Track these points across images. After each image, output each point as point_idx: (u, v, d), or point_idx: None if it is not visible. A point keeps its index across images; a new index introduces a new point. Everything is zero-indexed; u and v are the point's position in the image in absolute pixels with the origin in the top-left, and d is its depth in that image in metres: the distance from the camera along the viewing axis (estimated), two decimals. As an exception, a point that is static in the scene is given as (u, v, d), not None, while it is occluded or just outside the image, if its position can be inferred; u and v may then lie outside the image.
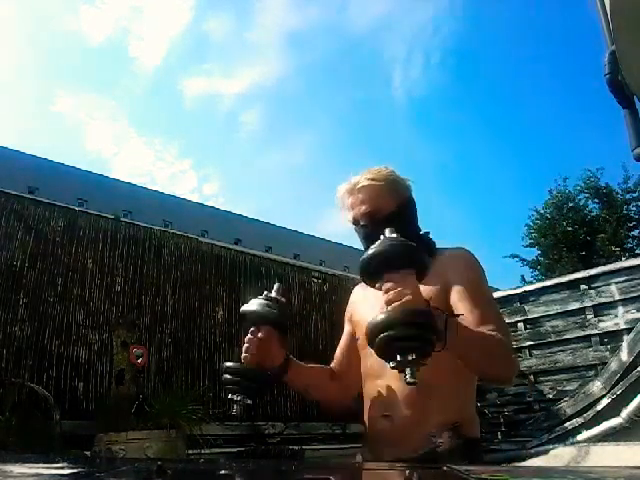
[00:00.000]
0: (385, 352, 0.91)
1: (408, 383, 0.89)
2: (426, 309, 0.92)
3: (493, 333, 1.09)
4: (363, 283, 1.46)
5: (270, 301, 1.21)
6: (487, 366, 1.09)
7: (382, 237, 0.98)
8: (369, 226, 1.27)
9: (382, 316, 0.91)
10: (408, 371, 0.87)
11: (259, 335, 1.19)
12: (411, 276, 0.95)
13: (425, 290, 1.18)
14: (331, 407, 1.43)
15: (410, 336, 0.87)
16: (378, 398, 1.20)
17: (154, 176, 51.87)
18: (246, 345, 1.20)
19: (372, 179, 1.28)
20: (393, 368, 0.90)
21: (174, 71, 66.89)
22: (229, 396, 1.16)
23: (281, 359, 1.24)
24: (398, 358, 0.87)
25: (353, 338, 1.37)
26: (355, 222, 1.31)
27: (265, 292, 1.24)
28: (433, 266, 1.23)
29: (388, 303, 0.92)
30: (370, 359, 1.23)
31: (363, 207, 1.27)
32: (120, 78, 59.26)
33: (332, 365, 1.43)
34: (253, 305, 1.21)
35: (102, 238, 4.62)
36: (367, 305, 1.33)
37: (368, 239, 1.27)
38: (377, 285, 0.96)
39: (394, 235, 0.97)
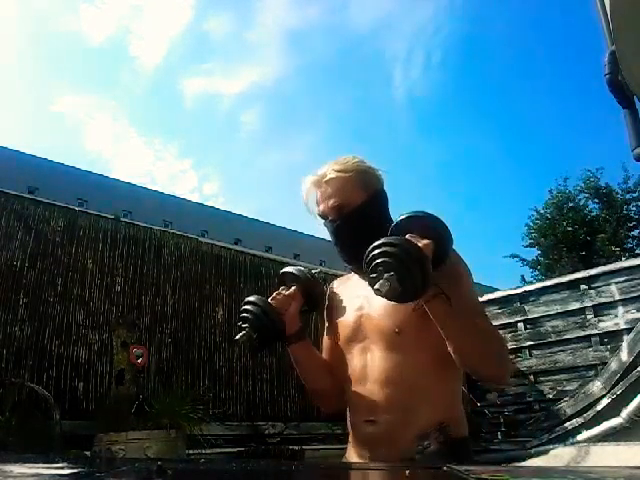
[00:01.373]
0: (370, 262, 0.96)
1: (376, 291, 0.93)
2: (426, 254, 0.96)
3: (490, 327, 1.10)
4: (340, 278, 1.41)
5: (309, 274, 1.28)
6: (482, 356, 1.07)
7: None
8: (338, 221, 1.21)
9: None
10: (381, 282, 0.92)
11: (286, 292, 1.23)
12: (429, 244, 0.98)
13: None
14: (324, 400, 1.37)
15: (394, 254, 0.94)
16: (362, 403, 1.16)
17: (154, 176, 51.90)
18: (273, 295, 1.24)
19: (340, 170, 1.20)
20: (370, 281, 0.95)
21: (174, 71, 66.92)
22: (239, 323, 1.19)
23: (296, 326, 1.25)
24: (379, 269, 0.92)
25: (332, 334, 1.32)
26: (323, 217, 1.24)
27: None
28: None
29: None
30: (352, 363, 1.19)
31: (331, 201, 1.20)
32: (120, 78, 59.31)
33: None
34: (292, 268, 1.29)
35: (102, 238, 4.62)
36: (342, 304, 1.29)
37: (337, 234, 1.23)
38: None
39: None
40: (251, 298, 1.21)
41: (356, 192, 1.20)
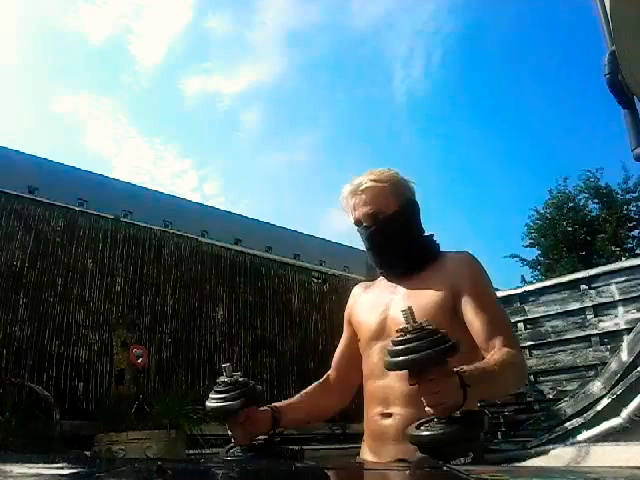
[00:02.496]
0: (435, 457, 0.90)
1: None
2: (470, 423, 0.89)
3: (507, 355, 1.08)
4: (362, 283, 1.46)
5: (226, 389, 1.15)
6: (505, 390, 1.18)
7: (403, 328, 0.92)
8: (372, 227, 1.27)
9: (426, 433, 0.88)
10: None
11: (237, 421, 1.17)
12: (446, 375, 0.88)
13: (431, 295, 1.20)
14: (328, 416, 1.45)
15: (456, 451, 0.88)
16: (379, 397, 1.20)
17: (154, 176, 51.86)
18: (229, 432, 1.19)
19: (375, 180, 1.27)
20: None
21: (175, 70, 66.94)
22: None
23: (268, 421, 1.22)
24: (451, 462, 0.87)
25: (353, 339, 1.37)
26: (358, 223, 1.30)
27: (219, 378, 1.18)
28: (438, 269, 1.25)
29: (428, 405, 0.89)
30: (373, 359, 1.24)
31: (366, 208, 1.27)
32: (120, 77, 59.27)
33: (330, 370, 1.43)
34: (214, 402, 1.16)
35: (102, 238, 4.62)
36: (366, 306, 1.34)
37: (371, 240, 1.29)
38: (411, 382, 0.92)
39: (415, 324, 0.91)
40: (228, 459, 1.18)
41: (390, 201, 1.27)
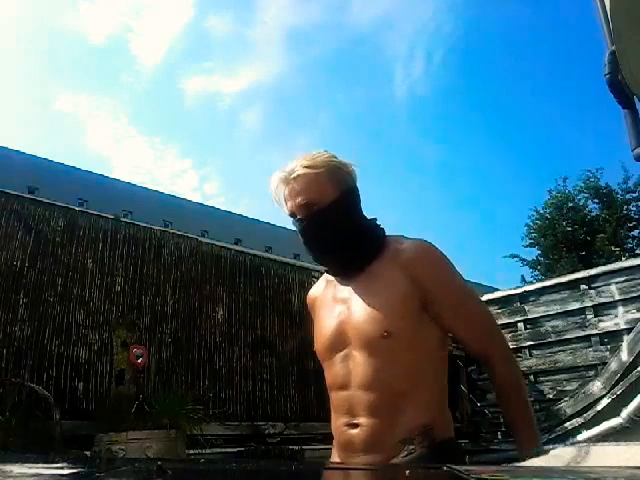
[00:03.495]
0: None
1: None
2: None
3: (506, 380, 1.16)
4: (323, 278, 1.32)
5: None
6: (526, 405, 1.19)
7: None
8: (306, 219, 1.14)
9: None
10: None
11: None
12: None
13: (392, 291, 1.11)
14: None
15: None
16: (344, 407, 1.14)
17: (154, 176, 51.86)
18: None
19: (309, 167, 1.14)
20: None
21: (175, 69, 66.92)
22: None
23: None
24: None
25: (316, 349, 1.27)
26: (292, 215, 1.18)
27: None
28: (391, 260, 1.14)
29: None
30: (335, 369, 1.17)
31: (299, 198, 1.14)
32: (120, 76, 59.25)
33: None
34: None
35: (102, 238, 4.62)
36: (326, 311, 1.24)
37: (305, 233, 1.16)
38: None
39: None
40: None
41: (326, 189, 1.14)
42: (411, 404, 1.09)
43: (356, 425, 1.11)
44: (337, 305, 1.20)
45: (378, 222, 1.22)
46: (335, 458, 1.20)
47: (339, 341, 1.16)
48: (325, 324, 1.21)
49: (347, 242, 1.16)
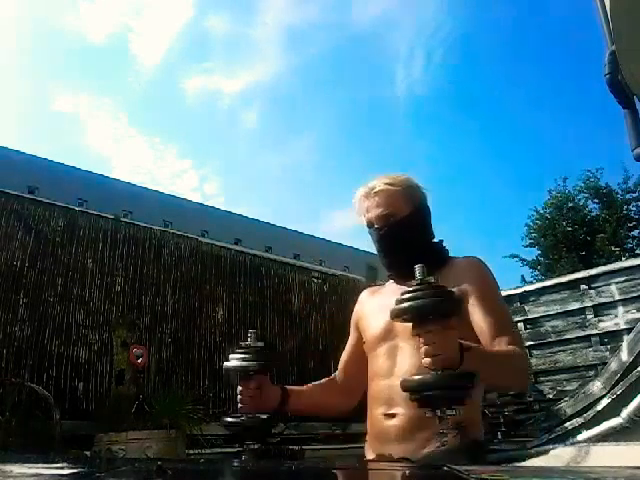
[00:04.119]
0: (422, 406, 0.92)
1: (439, 418, 0.90)
2: (458, 372, 0.90)
3: (510, 348, 1.11)
4: (370, 288, 1.48)
5: (248, 351, 1.23)
6: (503, 381, 1.16)
7: (414, 281, 0.95)
8: (383, 229, 1.29)
9: (417, 377, 0.91)
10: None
11: (249, 387, 1.21)
12: (446, 329, 0.91)
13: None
14: (333, 414, 1.48)
15: (443, 397, 0.90)
16: (383, 397, 1.21)
17: (154, 175, 51.86)
18: (239, 397, 1.22)
19: (389, 183, 1.30)
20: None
21: (175, 69, 66.90)
22: (239, 446, 1.18)
23: (277, 398, 1.26)
24: (436, 412, 0.90)
25: (359, 343, 1.38)
26: (370, 225, 1.32)
27: (243, 342, 1.24)
28: (446, 273, 1.24)
29: (426, 356, 0.91)
30: (379, 360, 1.25)
31: (379, 210, 1.29)
32: (120, 76, 59.26)
33: (337, 372, 1.44)
34: (233, 361, 1.23)
35: (102, 238, 4.62)
36: (374, 310, 1.34)
37: (381, 241, 1.31)
38: (413, 333, 0.95)
39: (426, 278, 0.95)
40: (230, 421, 1.20)
41: (403, 204, 1.29)
42: None
43: (393, 415, 1.17)
44: (390, 303, 1.27)
45: (445, 244, 1.36)
46: (369, 449, 1.26)
47: (386, 333, 1.26)
48: (376, 319, 1.30)
49: (415, 251, 1.26)
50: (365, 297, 1.44)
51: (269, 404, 1.22)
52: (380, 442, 1.21)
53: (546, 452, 4.65)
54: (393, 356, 1.22)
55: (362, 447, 1.32)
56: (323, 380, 1.43)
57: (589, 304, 5.43)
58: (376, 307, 1.34)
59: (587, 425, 4.68)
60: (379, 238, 1.30)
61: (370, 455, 1.25)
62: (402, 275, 1.31)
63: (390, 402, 1.19)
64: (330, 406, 1.44)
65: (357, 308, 1.44)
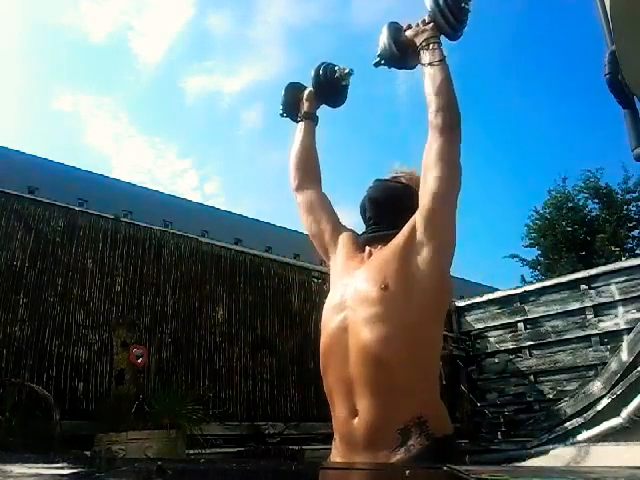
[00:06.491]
0: None
1: None
2: None
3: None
4: (352, 233, 1.43)
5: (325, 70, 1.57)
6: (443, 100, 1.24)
7: None
8: (384, 183, 1.39)
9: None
10: None
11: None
12: None
13: (395, 242, 1.21)
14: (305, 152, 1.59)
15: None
16: (343, 389, 1.13)
17: (154, 175, 51.88)
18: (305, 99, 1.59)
19: (412, 184, 1.35)
20: None
21: (175, 68, 66.90)
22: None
23: (313, 107, 1.59)
24: None
25: (334, 235, 1.39)
26: (387, 178, 1.41)
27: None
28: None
29: None
30: (332, 333, 1.20)
31: (400, 174, 1.39)
32: (121, 76, 59.26)
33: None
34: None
35: (102, 238, 4.62)
36: (337, 270, 1.33)
37: (372, 191, 1.37)
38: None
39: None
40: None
41: (412, 186, 1.33)
42: (407, 391, 1.08)
43: (355, 413, 1.10)
44: (349, 269, 1.28)
45: None
46: (336, 454, 1.17)
47: (340, 305, 1.22)
48: (334, 285, 1.32)
49: (392, 219, 1.28)
50: (347, 241, 1.38)
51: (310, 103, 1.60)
52: (346, 447, 1.13)
53: (546, 452, 4.66)
54: (345, 338, 1.16)
55: (332, 451, 1.20)
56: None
57: (589, 304, 5.43)
58: (339, 269, 1.32)
59: (587, 425, 4.68)
60: (372, 186, 1.37)
61: (338, 460, 1.16)
62: (372, 233, 1.31)
63: (350, 395, 1.11)
64: (305, 156, 1.56)
65: (344, 235, 1.39)
